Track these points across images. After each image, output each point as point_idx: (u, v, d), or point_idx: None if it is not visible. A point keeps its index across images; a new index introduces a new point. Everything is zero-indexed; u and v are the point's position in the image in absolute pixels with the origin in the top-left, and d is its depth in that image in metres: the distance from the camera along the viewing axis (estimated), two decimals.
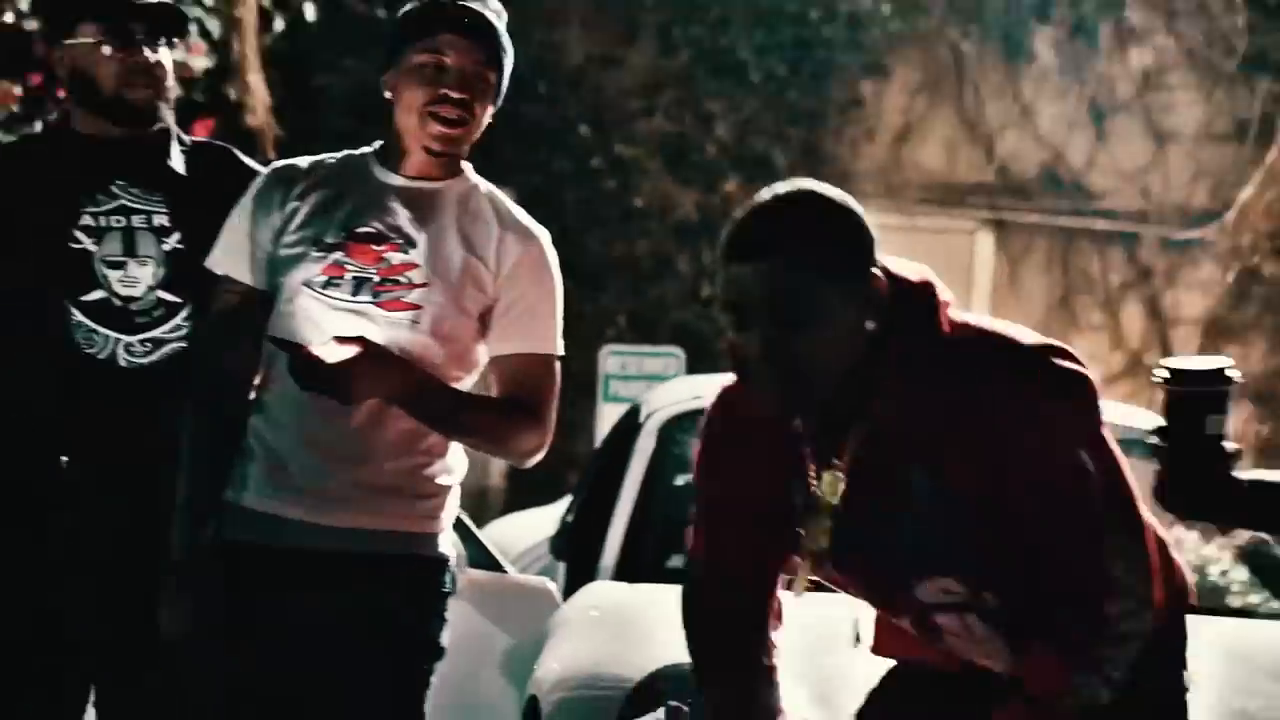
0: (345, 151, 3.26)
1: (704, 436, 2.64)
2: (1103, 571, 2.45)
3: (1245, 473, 2.53)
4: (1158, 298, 11.88)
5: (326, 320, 3.09)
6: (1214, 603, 4.55)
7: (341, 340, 3.00)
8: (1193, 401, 2.48)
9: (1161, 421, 2.55)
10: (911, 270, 2.50)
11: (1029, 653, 2.48)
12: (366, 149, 3.25)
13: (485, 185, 3.23)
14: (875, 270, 2.45)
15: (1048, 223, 11.87)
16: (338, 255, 3.12)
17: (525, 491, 9.78)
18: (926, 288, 2.47)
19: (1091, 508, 2.44)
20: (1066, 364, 2.46)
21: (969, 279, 11.79)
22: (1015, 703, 2.47)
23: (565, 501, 5.88)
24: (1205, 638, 3.95)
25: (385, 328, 3.08)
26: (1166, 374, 2.52)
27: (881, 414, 2.45)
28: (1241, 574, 4.72)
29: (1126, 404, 6.63)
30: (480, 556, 3.66)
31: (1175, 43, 11.68)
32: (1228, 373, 2.51)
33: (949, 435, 2.42)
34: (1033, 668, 2.47)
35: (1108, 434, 2.48)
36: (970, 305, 11.77)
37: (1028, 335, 2.50)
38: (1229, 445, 2.51)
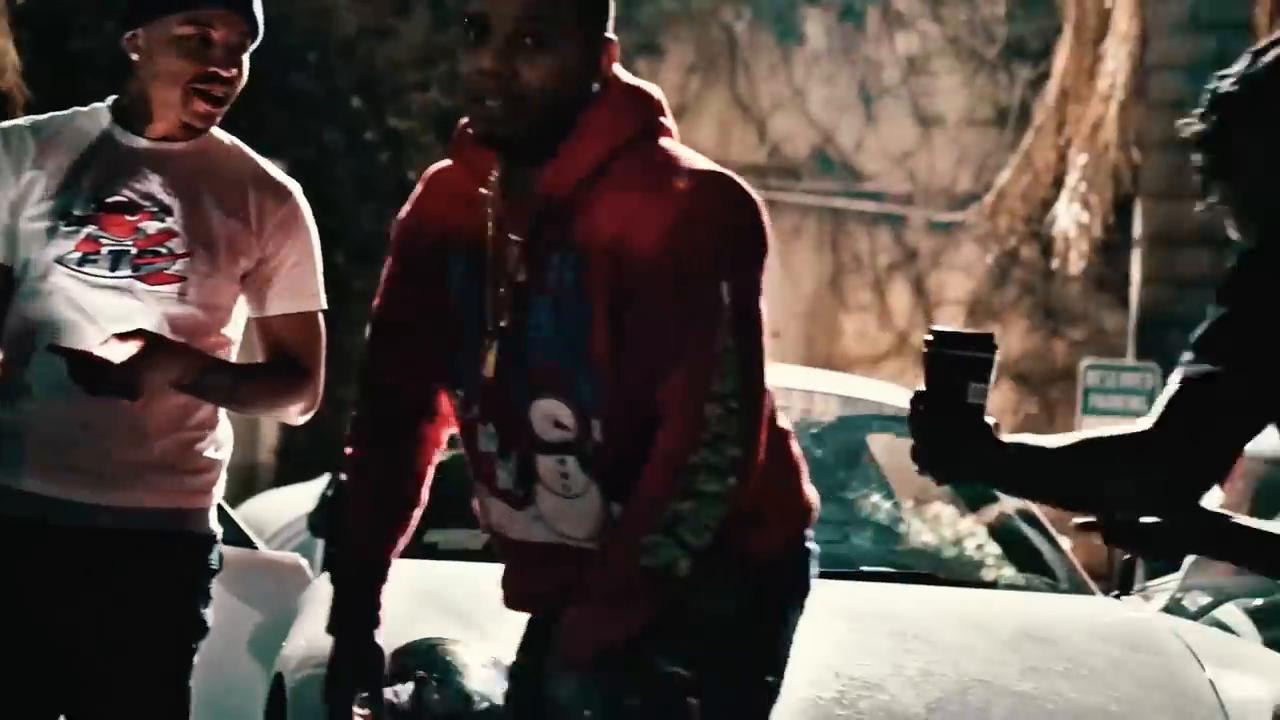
0: (71, 110, 3.14)
1: (405, 213, 2.69)
2: (701, 410, 2.44)
3: (1007, 436, 2.47)
4: (923, 278, 12.10)
5: (87, 299, 3.01)
6: (968, 575, 4.68)
7: (121, 337, 2.91)
8: (955, 365, 2.46)
9: (923, 386, 2.52)
10: (650, 86, 2.62)
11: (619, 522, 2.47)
12: (98, 106, 3.13)
13: (229, 139, 3.15)
14: (611, 39, 2.56)
15: (818, 203, 12.04)
16: (90, 229, 3.03)
17: (294, 467, 9.70)
18: (656, 100, 2.58)
19: (712, 344, 2.45)
20: (750, 211, 2.51)
21: None
22: (588, 590, 2.46)
23: (326, 478, 5.85)
24: (953, 609, 4.09)
25: (151, 303, 3.02)
26: (930, 337, 2.49)
27: (559, 190, 2.51)
28: (995, 548, 4.85)
29: (893, 382, 6.73)
30: (231, 533, 3.62)
31: (939, 29, 11.89)
32: (993, 342, 2.49)
33: (609, 233, 2.47)
34: (611, 539, 2.47)
35: (764, 303, 2.51)
36: None
37: (725, 172, 2.55)
38: (989, 418, 2.47)
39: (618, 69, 2.59)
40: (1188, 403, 2.34)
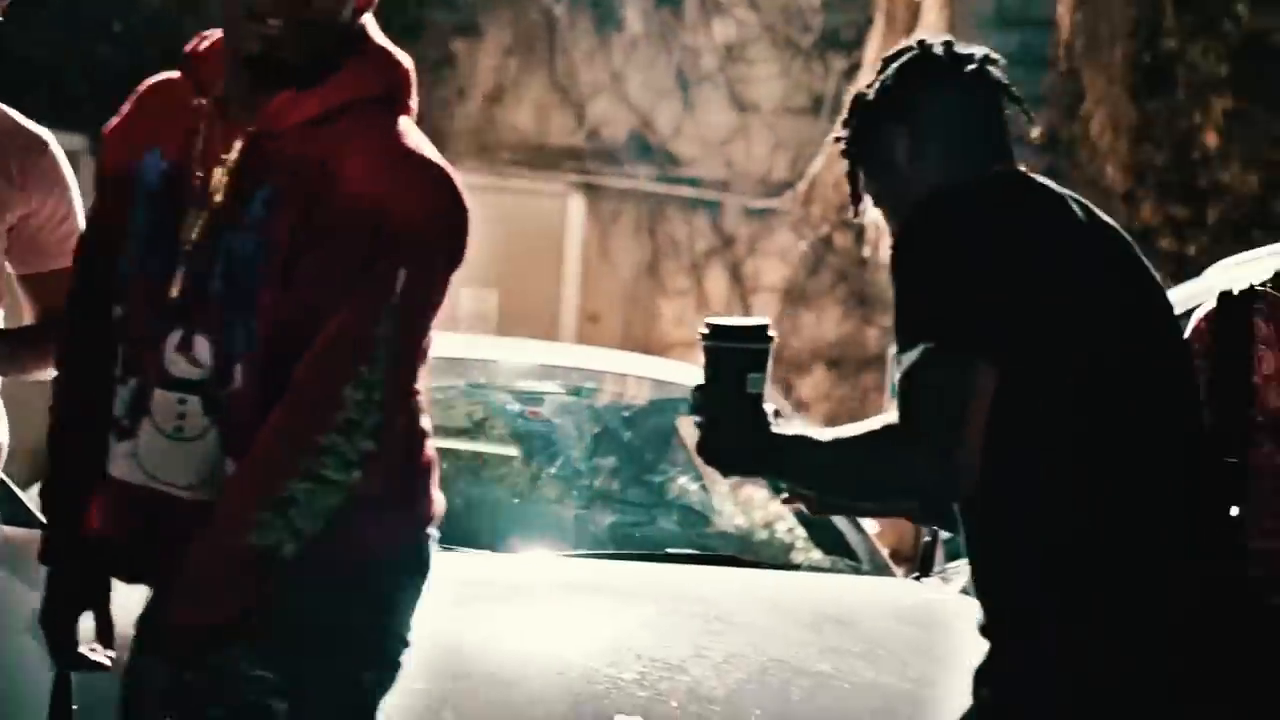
0: None
1: (115, 121, 2.61)
2: (339, 390, 2.37)
3: (787, 427, 2.53)
4: (740, 265, 12.19)
5: None
6: (774, 558, 4.72)
7: None
8: (732, 357, 2.49)
9: (701, 379, 2.55)
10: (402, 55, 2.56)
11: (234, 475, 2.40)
12: None
13: None
14: None
15: (637, 188, 12.07)
16: None
17: None
18: (405, 70, 2.53)
19: (370, 327, 2.38)
20: (459, 213, 2.46)
21: (561, 242, 11.91)
22: (189, 563, 2.38)
23: None
24: (757, 591, 4.13)
25: None
26: (706, 329, 2.53)
27: (280, 124, 2.46)
28: (804, 531, 4.90)
29: None
30: (18, 513, 3.55)
31: (756, 17, 11.98)
32: (769, 332, 2.54)
33: (314, 183, 2.42)
34: (220, 509, 2.39)
35: (438, 309, 2.47)
36: (562, 268, 11.91)
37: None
38: (768, 406, 2.53)
39: (371, 23, 2.53)
40: (901, 390, 2.41)
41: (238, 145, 2.47)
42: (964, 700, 3.51)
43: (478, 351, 5.04)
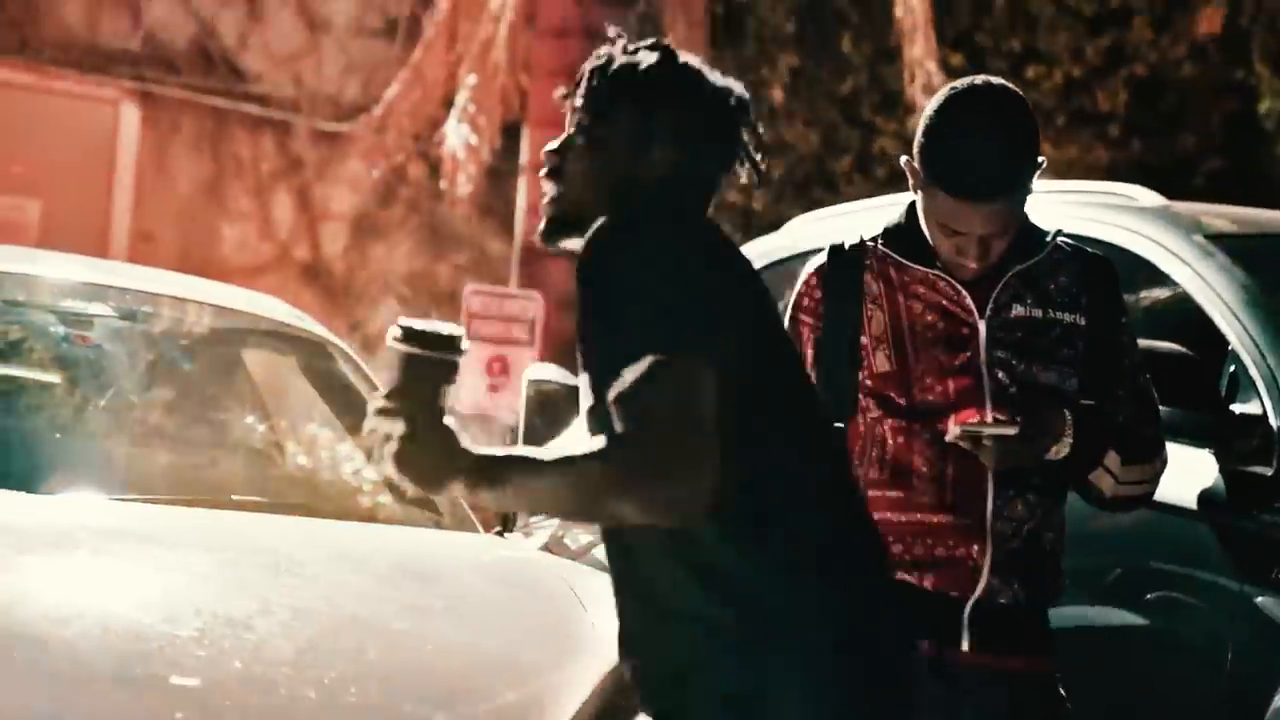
0: None
1: None
2: None
3: (473, 445, 2.48)
4: (308, 190, 11.81)
5: None
6: (346, 505, 4.43)
7: None
8: (427, 367, 2.46)
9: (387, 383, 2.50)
10: None
11: None
12: None
13: None
14: None
15: (197, 100, 11.53)
16: None
17: None
18: None
19: None
20: None
21: (112, 153, 11.29)
22: None
23: None
24: (330, 542, 3.86)
25: None
26: (400, 332, 2.48)
27: None
28: (374, 475, 4.62)
29: (271, 295, 6.44)
30: None
31: None
32: (462, 344, 2.52)
33: None
34: None
35: None
36: (114, 180, 11.29)
37: None
38: (449, 420, 2.49)
39: None
40: (628, 405, 2.38)
41: None
42: (551, 658, 3.32)
43: (14, 265, 4.55)
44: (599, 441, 2.40)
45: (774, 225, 5.86)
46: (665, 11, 10.71)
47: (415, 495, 3.85)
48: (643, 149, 2.62)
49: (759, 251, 5.28)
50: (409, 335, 2.47)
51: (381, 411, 2.46)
